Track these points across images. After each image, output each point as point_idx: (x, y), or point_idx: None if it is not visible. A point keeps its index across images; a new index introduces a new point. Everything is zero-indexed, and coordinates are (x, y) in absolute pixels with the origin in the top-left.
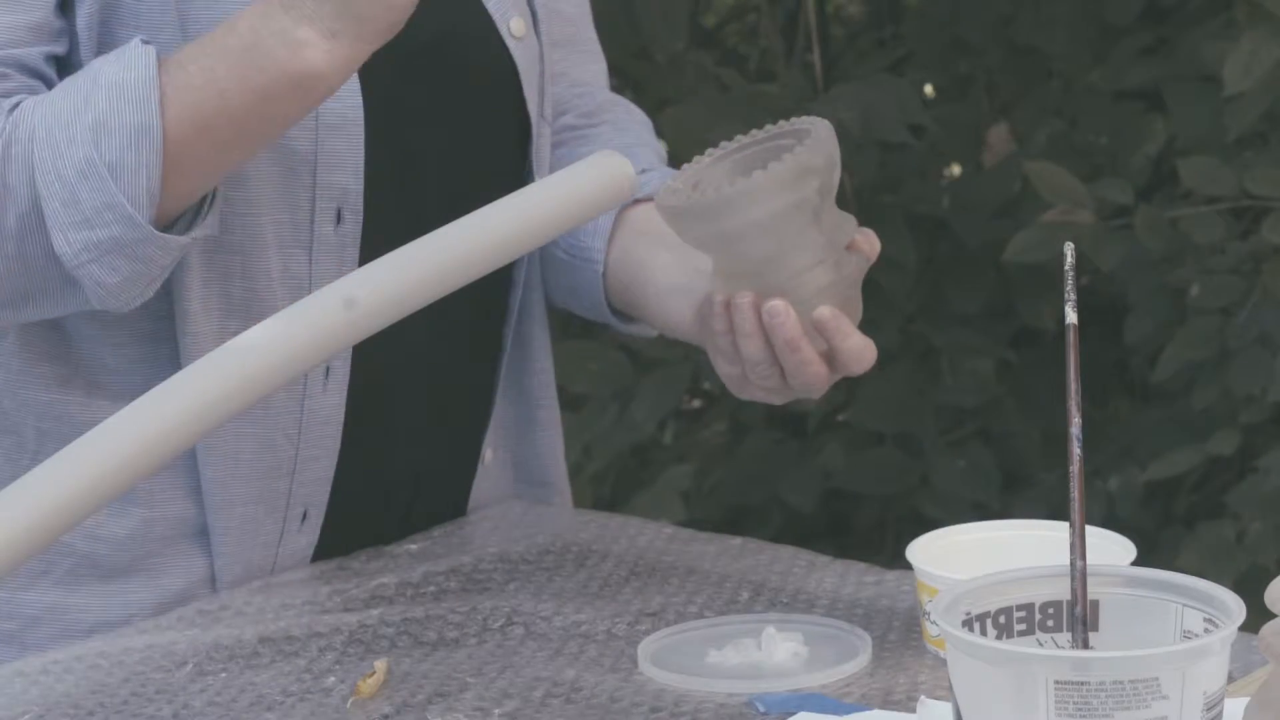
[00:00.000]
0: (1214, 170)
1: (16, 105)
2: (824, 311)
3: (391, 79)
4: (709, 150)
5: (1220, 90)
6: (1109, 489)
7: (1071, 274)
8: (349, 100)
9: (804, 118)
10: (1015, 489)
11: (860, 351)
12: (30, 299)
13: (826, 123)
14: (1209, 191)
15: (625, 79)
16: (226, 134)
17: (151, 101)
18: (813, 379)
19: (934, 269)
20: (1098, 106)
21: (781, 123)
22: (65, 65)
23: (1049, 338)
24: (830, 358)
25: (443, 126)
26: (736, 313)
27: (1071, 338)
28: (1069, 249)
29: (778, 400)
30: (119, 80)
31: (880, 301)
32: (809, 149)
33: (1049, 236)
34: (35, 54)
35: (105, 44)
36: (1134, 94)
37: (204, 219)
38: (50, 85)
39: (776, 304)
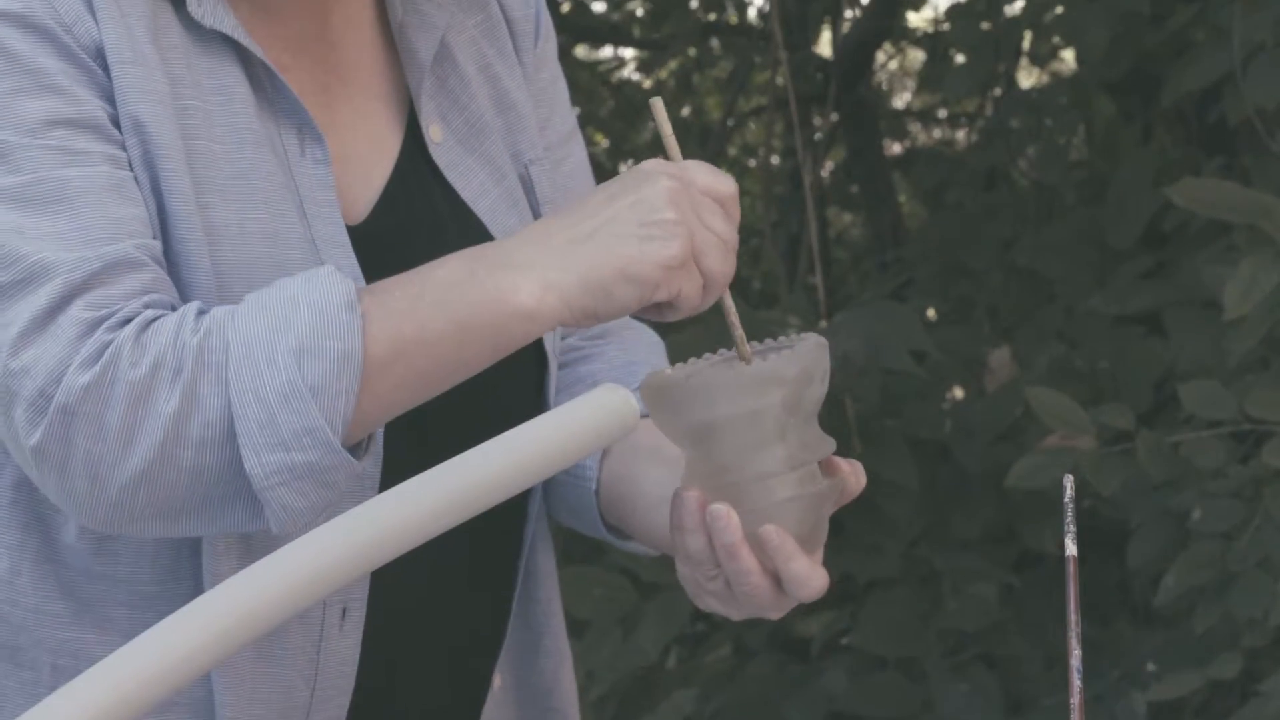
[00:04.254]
0: (1215, 394)
1: (203, 312)
2: (768, 530)
3: None
4: (720, 350)
5: (1220, 315)
6: (1112, 712)
7: (1071, 506)
8: None
9: (806, 334)
10: (1018, 714)
11: (805, 578)
12: (189, 511)
13: (818, 341)
14: (1210, 415)
15: None
16: (422, 363)
17: (355, 328)
18: (754, 592)
19: (936, 493)
20: (1099, 330)
21: (791, 335)
22: None
23: (1051, 562)
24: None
25: None
26: (681, 505)
27: (1071, 570)
28: (1068, 481)
29: (734, 615)
30: (321, 303)
31: (882, 525)
32: (778, 361)
33: (1050, 463)
34: (158, 247)
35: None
36: (1135, 318)
37: (370, 445)
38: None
39: (719, 507)
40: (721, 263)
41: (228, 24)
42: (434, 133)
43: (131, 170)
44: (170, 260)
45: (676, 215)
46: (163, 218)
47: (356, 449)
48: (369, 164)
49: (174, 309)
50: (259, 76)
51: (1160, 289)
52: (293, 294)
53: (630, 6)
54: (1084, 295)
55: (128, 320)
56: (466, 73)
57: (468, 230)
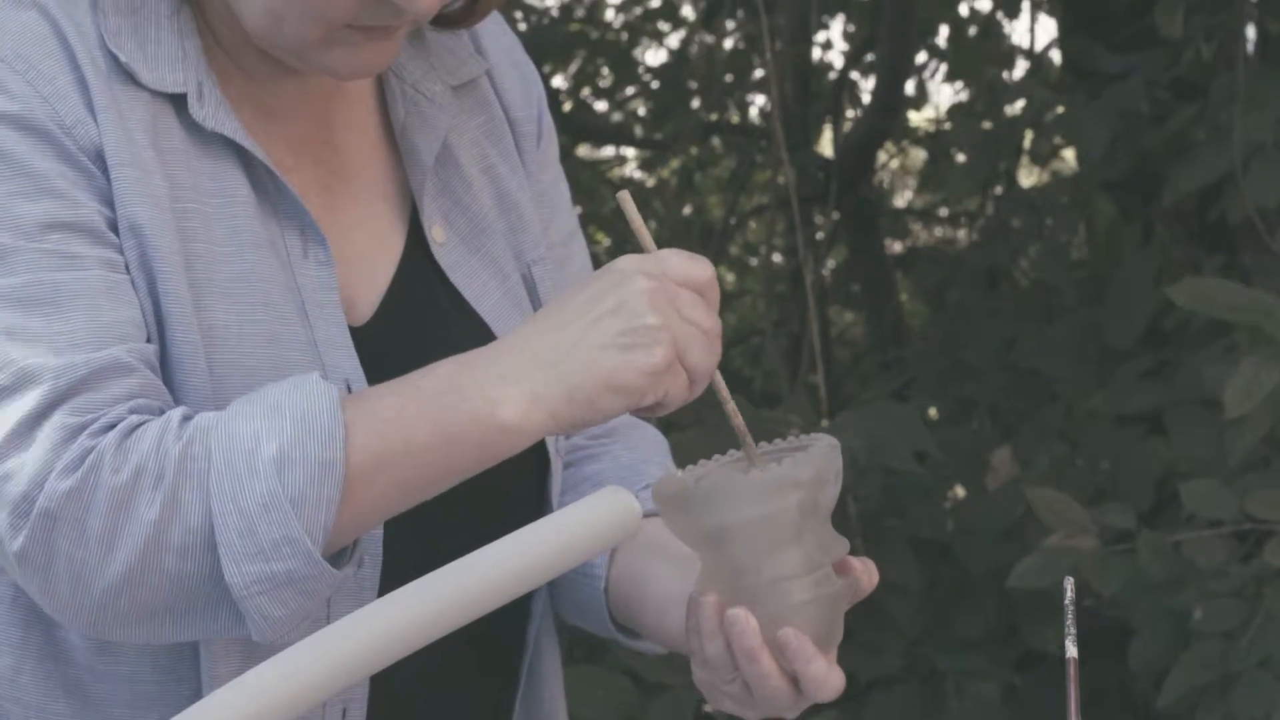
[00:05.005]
0: (1216, 494)
1: (188, 418)
2: (787, 633)
3: None
4: (730, 451)
5: (1222, 414)
6: None
7: (1071, 608)
8: None
9: (816, 434)
10: None
11: (823, 679)
12: (174, 617)
13: (830, 442)
14: (1211, 515)
15: None
16: (406, 473)
17: (337, 436)
18: (773, 694)
19: (938, 593)
20: (1100, 430)
21: (801, 435)
22: None
23: (1054, 661)
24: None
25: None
26: (699, 610)
27: (1072, 672)
28: (1069, 584)
29: (750, 716)
30: (304, 411)
31: (884, 625)
32: (792, 464)
33: (1051, 563)
34: (151, 350)
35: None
36: (1136, 417)
37: (354, 554)
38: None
39: (737, 611)
40: (705, 357)
41: (229, 127)
42: (437, 233)
43: (128, 273)
44: (166, 362)
45: (657, 318)
46: (159, 319)
47: (340, 556)
48: (372, 264)
49: (162, 413)
50: (261, 178)
51: (1161, 388)
52: (276, 401)
53: (632, 106)
54: (1085, 395)
55: (112, 426)
56: (469, 173)
57: (471, 331)
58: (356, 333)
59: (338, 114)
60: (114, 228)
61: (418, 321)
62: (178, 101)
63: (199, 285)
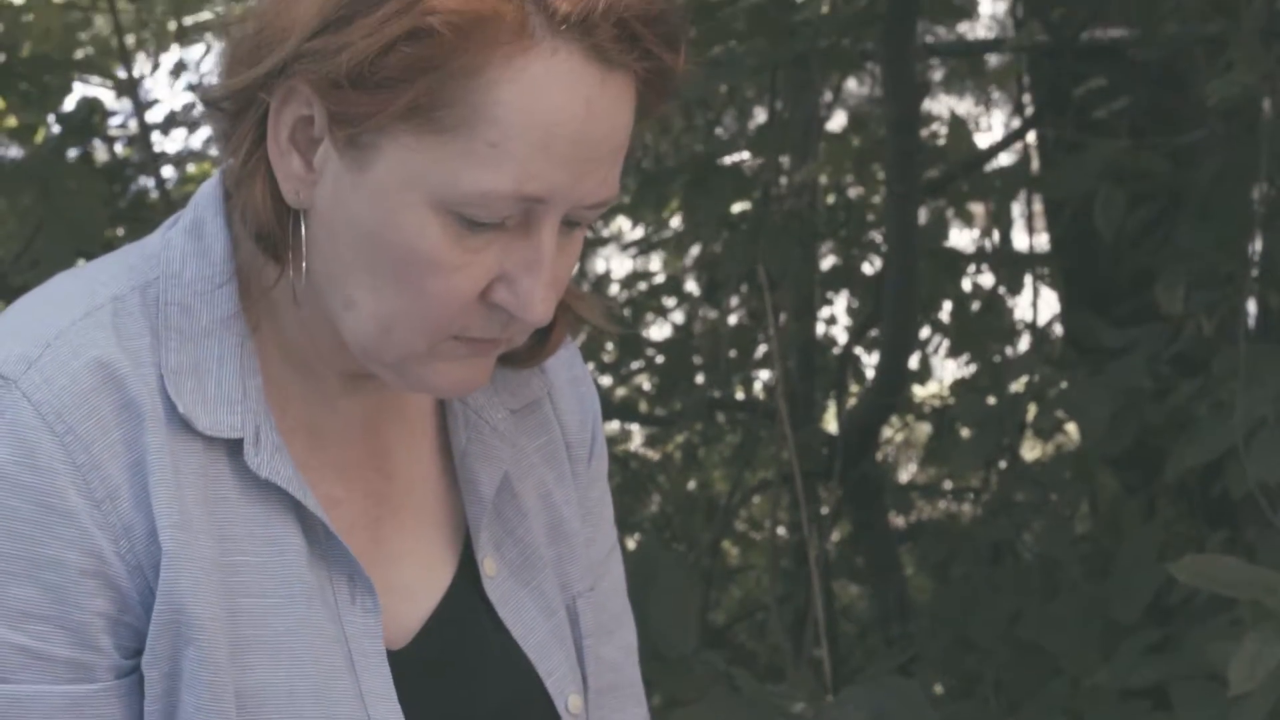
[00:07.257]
0: None
1: None
2: None
3: None
4: None
5: (1226, 689)
6: None
7: None
8: None
9: None
10: None
11: None
12: None
13: None
14: None
15: None
16: None
17: None
18: None
19: None
20: (1105, 705)
21: None
22: None
23: None
24: None
25: None
26: None
27: None
28: None
29: None
30: None
31: None
32: None
33: None
34: None
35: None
36: (1141, 693)
37: None
38: None
39: None
40: None
41: (282, 476)
42: (488, 566)
43: (111, 677)
44: None
45: None
46: (183, 684)
47: None
48: (417, 593)
49: None
50: (312, 522)
51: (1166, 663)
52: None
53: (637, 381)
54: (1090, 670)
55: None
56: (525, 503)
57: (513, 666)
58: (394, 656)
59: (393, 439)
60: (114, 619)
61: (457, 651)
62: (233, 445)
63: (246, 644)
